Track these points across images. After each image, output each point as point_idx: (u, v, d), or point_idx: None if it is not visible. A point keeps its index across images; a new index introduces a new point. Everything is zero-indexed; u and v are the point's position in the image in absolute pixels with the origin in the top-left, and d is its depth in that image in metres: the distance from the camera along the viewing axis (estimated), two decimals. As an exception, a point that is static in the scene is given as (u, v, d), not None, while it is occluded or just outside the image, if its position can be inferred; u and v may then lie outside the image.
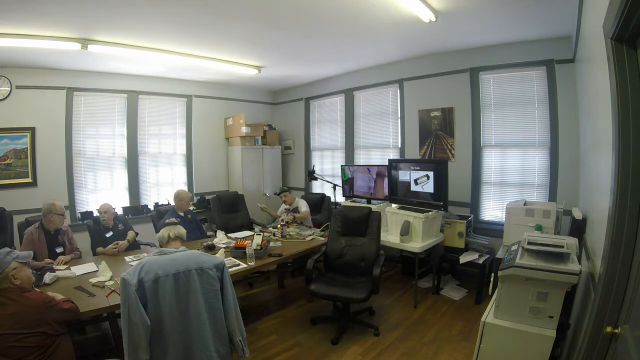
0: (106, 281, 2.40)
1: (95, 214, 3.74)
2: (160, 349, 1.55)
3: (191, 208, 4.22)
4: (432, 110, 4.28)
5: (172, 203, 4.03)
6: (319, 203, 4.79)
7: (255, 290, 3.99)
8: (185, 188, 5.44)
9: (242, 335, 1.79)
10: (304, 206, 4.37)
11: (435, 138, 4.28)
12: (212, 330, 1.67)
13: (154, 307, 1.54)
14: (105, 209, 3.38)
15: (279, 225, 3.77)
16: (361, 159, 5.28)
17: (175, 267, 1.63)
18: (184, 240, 1.98)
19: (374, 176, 4.31)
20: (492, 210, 4.02)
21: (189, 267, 1.66)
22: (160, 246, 1.92)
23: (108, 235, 3.32)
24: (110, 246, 3.17)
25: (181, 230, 1.98)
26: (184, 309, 1.61)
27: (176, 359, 1.58)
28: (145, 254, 3.07)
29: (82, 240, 3.35)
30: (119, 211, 4.62)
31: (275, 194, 4.49)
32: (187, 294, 1.62)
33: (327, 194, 4.86)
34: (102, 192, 4.79)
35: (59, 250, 2.97)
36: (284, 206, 4.48)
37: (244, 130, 5.45)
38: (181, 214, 3.83)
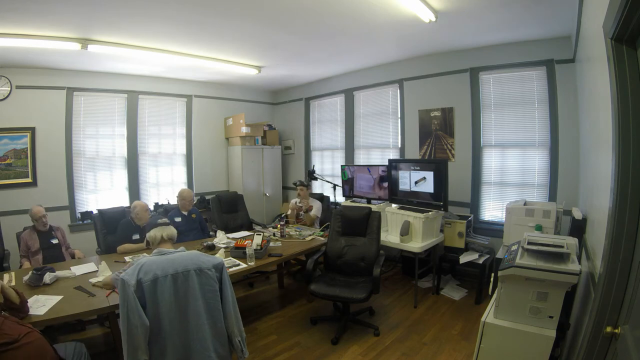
0: (106, 281, 2.40)
1: (94, 212, 3.71)
2: (159, 350, 1.54)
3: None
4: (432, 110, 4.28)
5: (172, 203, 4.01)
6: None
7: (255, 290, 3.99)
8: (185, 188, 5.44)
9: (241, 335, 1.78)
10: (317, 210, 4.31)
11: (435, 138, 4.28)
12: (211, 331, 1.66)
13: (152, 308, 1.53)
14: (146, 207, 3.39)
15: (278, 225, 3.77)
16: (361, 159, 5.28)
17: (174, 267, 1.63)
18: (174, 242, 1.95)
19: (374, 176, 4.30)
20: (492, 210, 4.02)
21: (187, 267, 1.65)
22: (151, 246, 1.90)
23: (135, 237, 3.28)
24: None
25: (173, 231, 1.97)
26: (183, 309, 1.60)
27: (175, 360, 1.58)
28: (145, 254, 3.07)
29: (85, 240, 3.33)
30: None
31: (294, 184, 4.44)
32: (186, 295, 1.61)
33: (326, 194, 4.85)
34: (102, 192, 4.79)
35: (54, 241, 3.17)
36: (295, 200, 4.44)
37: (244, 130, 5.45)
38: (184, 213, 3.82)
